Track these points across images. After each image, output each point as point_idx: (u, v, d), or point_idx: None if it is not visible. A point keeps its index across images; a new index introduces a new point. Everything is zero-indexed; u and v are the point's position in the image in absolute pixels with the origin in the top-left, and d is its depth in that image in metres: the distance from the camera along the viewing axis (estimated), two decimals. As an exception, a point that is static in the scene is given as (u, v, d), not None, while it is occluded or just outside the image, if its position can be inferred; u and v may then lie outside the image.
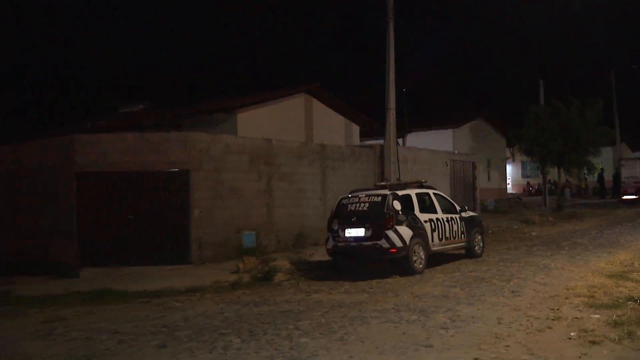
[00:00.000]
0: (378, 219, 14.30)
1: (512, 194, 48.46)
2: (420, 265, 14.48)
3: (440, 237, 15.49)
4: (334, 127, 28.50)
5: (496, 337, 8.12)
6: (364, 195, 15.09)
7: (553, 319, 9.02)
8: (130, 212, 16.92)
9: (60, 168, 17.02)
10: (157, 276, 15.31)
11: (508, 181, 49.73)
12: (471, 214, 17.55)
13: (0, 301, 13.05)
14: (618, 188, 40.93)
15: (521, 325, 8.75)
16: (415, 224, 14.69)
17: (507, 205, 35.98)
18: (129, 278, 15.19)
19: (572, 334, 8.13)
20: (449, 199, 17.25)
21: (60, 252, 16.80)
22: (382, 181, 20.06)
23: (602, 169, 41.81)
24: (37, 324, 10.45)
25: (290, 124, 26.04)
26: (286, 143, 20.25)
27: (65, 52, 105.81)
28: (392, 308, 10.27)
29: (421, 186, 16.53)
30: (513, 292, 11.43)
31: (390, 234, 14.08)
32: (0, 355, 8.51)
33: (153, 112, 31.72)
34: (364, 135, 31.51)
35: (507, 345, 7.69)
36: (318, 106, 27.81)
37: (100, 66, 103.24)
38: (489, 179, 40.95)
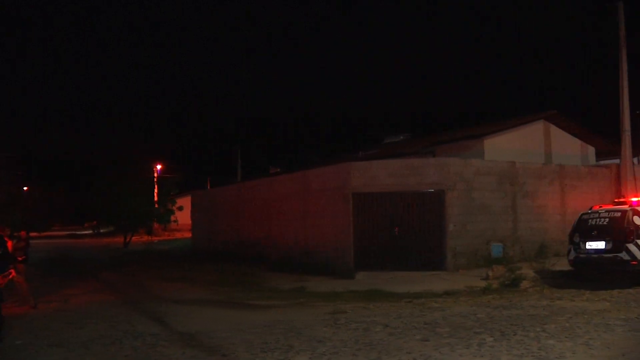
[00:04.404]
0: (618, 232, 13.21)
1: None
2: (662, 278, 13.07)
3: (683, 251, 13.87)
4: (570, 149, 26.77)
5: None
6: (603, 211, 14.04)
7: None
8: (395, 226, 17.27)
9: (339, 189, 17.82)
10: (417, 280, 15.37)
11: None
12: None
13: (297, 295, 13.96)
14: None
15: None
16: (655, 238, 13.33)
17: None
18: (394, 281, 15.43)
19: None
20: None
21: (339, 257, 17.55)
22: (619, 198, 18.50)
23: None
24: (325, 314, 10.96)
25: (530, 147, 24.92)
26: (528, 165, 19.53)
27: (343, 98, 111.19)
28: (636, 317, 9.38)
29: (660, 203, 14.96)
30: None
31: (631, 247, 12.94)
32: (300, 335, 9.06)
33: (411, 141, 31.98)
34: (599, 155, 29.29)
35: None
36: (555, 130, 26.31)
37: (370, 104, 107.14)
38: None
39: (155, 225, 45.72)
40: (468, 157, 19.37)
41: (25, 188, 63.95)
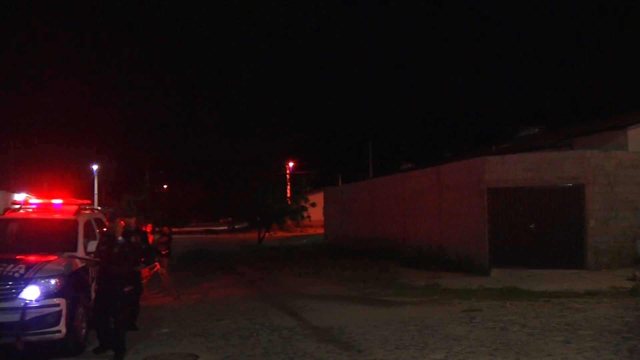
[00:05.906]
0: None
1: None
2: None
3: None
4: None
5: None
6: None
7: None
8: (531, 222, 16.68)
9: (473, 184, 17.45)
10: (556, 278, 14.74)
11: None
12: None
13: (431, 291, 13.85)
14: None
15: None
16: None
17: None
18: (530, 279, 14.88)
19: None
20: None
21: (473, 254, 17.19)
22: None
23: None
24: (459, 312, 10.83)
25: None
26: (680, 156, 18.05)
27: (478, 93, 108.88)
28: None
29: None
30: None
31: None
32: (435, 333, 8.98)
33: (547, 133, 30.70)
34: None
35: None
36: None
37: (503, 98, 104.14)
38: None
39: (289, 221, 46.86)
40: (609, 149, 18.30)
41: (165, 186, 67.85)
